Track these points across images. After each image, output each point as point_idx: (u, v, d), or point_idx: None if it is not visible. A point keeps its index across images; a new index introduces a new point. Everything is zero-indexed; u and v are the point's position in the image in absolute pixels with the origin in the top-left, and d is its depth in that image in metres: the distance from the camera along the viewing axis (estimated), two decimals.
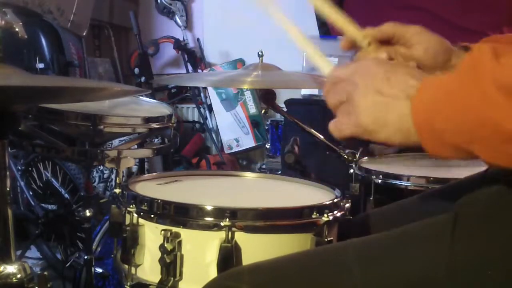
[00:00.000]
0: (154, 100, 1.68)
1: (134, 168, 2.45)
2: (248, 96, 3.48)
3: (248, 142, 3.49)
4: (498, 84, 0.52)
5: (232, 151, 3.50)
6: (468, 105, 0.54)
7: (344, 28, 0.87)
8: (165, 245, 0.87)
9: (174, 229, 0.89)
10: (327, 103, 0.70)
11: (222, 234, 0.86)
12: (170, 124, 1.42)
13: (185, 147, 3.31)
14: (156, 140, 2.04)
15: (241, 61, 3.56)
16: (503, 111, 0.51)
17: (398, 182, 1.37)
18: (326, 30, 2.73)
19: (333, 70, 0.71)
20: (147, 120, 1.37)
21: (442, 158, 0.59)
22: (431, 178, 1.32)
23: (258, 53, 1.29)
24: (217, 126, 3.51)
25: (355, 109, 0.64)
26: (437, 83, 0.59)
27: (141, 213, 0.93)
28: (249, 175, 1.28)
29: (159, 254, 0.88)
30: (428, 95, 0.59)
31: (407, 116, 0.60)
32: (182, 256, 0.89)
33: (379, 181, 1.38)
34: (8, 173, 0.97)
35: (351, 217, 0.99)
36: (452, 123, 0.55)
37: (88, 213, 1.42)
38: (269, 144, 3.04)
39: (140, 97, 1.59)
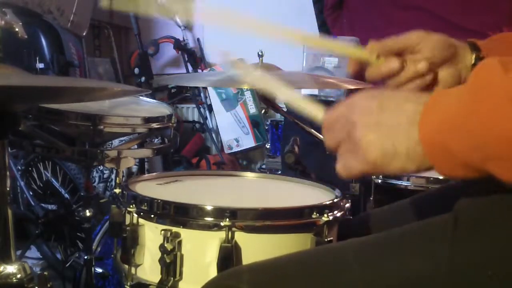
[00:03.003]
0: (154, 100, 1.67)
1: (134, 168, 2.45)
2: (248, 96, 3.48)
3: (248, 142, 3.49)
4: (510, 99, 0.51)
5: (232, 151, 3.50)
6: (481, 121, 0.53)
7: (346, 52, 0.88)
8: (165, 245, 0.87)
9: (174, 229, 0.89)
10: (326, 147, 0.68)
11: (222, 234, 0.86)
12: (170, 124, 1.42)
13: (185, 147, 3.31)
14: (156, 140, 2.04)
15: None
16: None
17: (398, 182, 1.37)
18: (326, 30, 2.73)
19: (327, 114, 0.69)
20: (147, 120, 1.37)
21: (456, 179, 0.58)
22: (431, 178, 1.32)
23: (258, 53, 1.29)
24: (217, 126, 3.51)
25: (360, 146, 0.61)
26: (444, 102, 0.57)
27: (141, 213, 0.93)
28: (249, 175, 1.28)
29: (159, 254, 0.88)
30: (436, 116, 0.57)
31: (416, 141, 0.58)
32: (182, 256, 0.89)
33: (379, 181, 1.38)
34: (8, 173, 0.97)
35: (351, 217, 0.99)
36: (465, 141, 0.54)
37: (88, 213, 1.42)
38: (269, 144, 3.04)
39: (140, 97, 1.59)
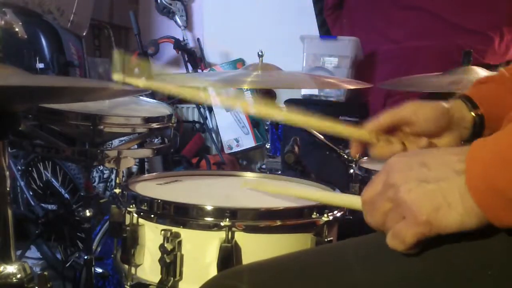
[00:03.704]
0: (154, 100, 1.68)
1: (134, 168, 2.45)
2: (248, 96, 3.48)
3: (248, 142, 3.49)
4: None
5: (232, 151, 3.50)
6: None
7: (346, 133, 0.87)
8: (165, 245, 0.87)
9: (174, 229, 0.89)
10: (371, 227, 0.62)
11: (222, 234, 0.86)
12: (170, 124, 1.42)
13: (185, 147, 3.31)
14: (156, 140, 2.04)
15: (241, 61, 3.56)
16: None
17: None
18: (326, 30, 2.73)
19: (364, 193, 0.63)
20: (147, 120, 1.37)
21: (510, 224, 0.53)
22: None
23: (258, 53, 1.29)
24: (217, 126, 3.51)
25: (408, 208, 0.56)
26: (486, 146, 0.55)
27: (141, 213, 0.93)
28: (249, 175, 1.28)
29: (159, 254, 0.88)
30: (480, 163, 0.53)
31: (465, 191, 0.53)
32: (182, 256, 0.89)
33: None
34: (8, 173, 0.97)
35: (351, 217, 0.99)
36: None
37: (88, 213, 1.42)
38: (269, 144, 3.04)
39: (140, 97, 1.59)
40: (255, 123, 3.47)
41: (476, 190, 0.53)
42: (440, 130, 0.85)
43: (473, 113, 0.87)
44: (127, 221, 0.95)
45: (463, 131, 0.87)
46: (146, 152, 1.50)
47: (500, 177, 0.51)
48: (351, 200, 0.72)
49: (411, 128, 0.85)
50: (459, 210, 0.54)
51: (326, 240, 0.89)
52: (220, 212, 0.87)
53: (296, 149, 1.30)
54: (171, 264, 0.88)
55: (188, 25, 3.66)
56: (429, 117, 0.84)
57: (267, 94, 1.32)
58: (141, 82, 0.84)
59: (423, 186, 0.55)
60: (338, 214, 0.94)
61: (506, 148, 0.53)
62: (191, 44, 3.63)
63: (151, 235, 0.93)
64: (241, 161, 3.65)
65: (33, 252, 2.35)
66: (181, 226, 0.89)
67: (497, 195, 0.52)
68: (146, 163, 2.57)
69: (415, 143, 0.85)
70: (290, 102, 2.49)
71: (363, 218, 0.75)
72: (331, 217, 0.90)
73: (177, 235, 0.89)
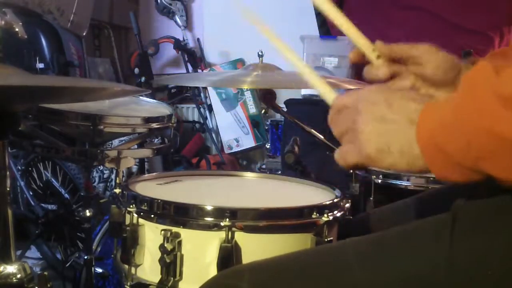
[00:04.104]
0: (154, 100, 1.68)
1: (134, 168, 2.45)
2: (248, 96, 3.48)
3: (248, 142, 3.49)
4: (500, 97, 0.51)
5: (232, 151, 3.50)
6: (472, 120, 0.53)
7: (354, 39, 0.87)
8: (165, 245, 0.87)
9: (174, 229, 0.89)
10: (332, 131, 0.70)
11: (222, 234, 0.86)
12: (170, 124, 1.42)
13: (185, 147, 3.31)
14: (156, 140, 2.04)
15: (241, 61, 3.56)
16: (506, 122, 0.51)
17: (398, 182, 1.37)
18: (326, 30, 2.73)
19: (337, 98, 0.70)
20: (147, 120, 1.37)
21: (451, 181, 0.58)
22: (431, 178, 1.32)
23: (258, 53, 1.29)
24: (217, 126, 3.51)
25: (359, 137, 0.64)
26: (439, 104, 0.59)
27: (141, 213, 0.93)
28: (249, 175, 1.28)
29: (159, 254, 0.88)
30: (432, 118, 0.58)
31: (413, 141, 0.59)
32: (182, 256, 0.89)
33: (379, 181, 1.38)
34: (8, 173, 0.97)
35: (351, 217, 0.99)
36: (458, 141, 0.55)
37: (88, 213, 1.42)
38: (269, 144, 3.04)
39: (140, 97, 1.59)
40: (255, 123, 3.47)
41: (425, 147, 0.58)
42: (445, 82, 0.84)
43: None
44: (127, 221, 0.95)
45: None
46: (146, 152, 1.50)
47: (449, 142, 0.55)
48: (327, 92, 0.74)
49: (417, 69, 0.83)
50: (396, 156, 0.61)
51: (326, 240, 0.88)
52: (220, 212, 0.87)
53: (296, 149, 1.30)
54: (171, 264, 0.88)
55: (188, 25, 3.66)
56: (440, 64, 0.82)
57: (267, 94, 1.32)
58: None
59: (379, 124, 0.62)
60: (338, 214, 0.94)
61: (454, 112, 0.55)
62: (191, 44, 3.63)
63: (151, 235, 0.93)
64: (241, 161, 3.66)
65: (33, 252, 2.35)
66: (181, 226, 0.89)
67: (445, 157, 0.56)
68: (146, 163, 2.57)
69: (412, 82, 0.84)
70: (290, 102, 2.49)
71: (363, 218, 0.75)
72: (331, 217, 0.90)
73: (177, 235, 0.89)
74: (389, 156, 0.62)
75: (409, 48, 0.84)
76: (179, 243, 0.89)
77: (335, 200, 0.97)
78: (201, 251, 0.89)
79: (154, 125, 1.38)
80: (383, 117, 0.62)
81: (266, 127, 3.13)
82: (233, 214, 0.87)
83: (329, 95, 0.73)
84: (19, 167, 2.35)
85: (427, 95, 0.83)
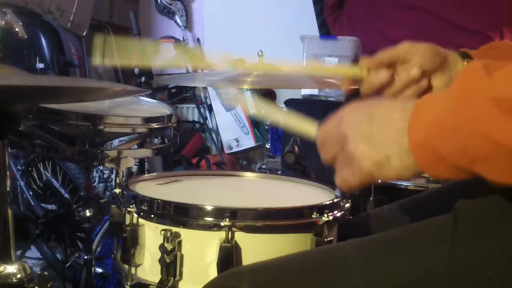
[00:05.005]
0: (154, 100, 1.68)
1: (134, 168, 2.45)
2: (248, 96, 3.48)
3: (248, 142, 3.49)
4: (495, 100, 0.51)
5: (232, 151, 3.50)
6: (466, 123, 0.53)
7: (337, 73, 0.90)
8: (165, 245, 0.87)
9: (174, 229, 0.89)
10: (323, 161, 0.70)
11: (222, 234, 0.86)
12: (170, 124, 1.42)
13: (185, 147, 3.31)
14: (156, 140, 2.04)
15: (241, 61, 3.56)
16: (501, 127, 0.50)
17: (398, 182, 1.37)
18: (326, 30, 2.74)
19: (319, 130, 0.71)
20: (147, 120, 1.37)
21: (444, 179, 0.58)
22: (431, 178, 1.32)
23: (258, 53, 1.29)
24: (217, 126, 3.51)
25: (353, 158, 0.63)
26: (429, 107, 0.58)
27: (141, 213, 0.93)
28: (249, 175, 1.28)
29: (159, 254, 0.88)
30: (423, 122, 0.57)
31: (406, 149, 0.59)
32: (182, 256, 0.89)
33: (379, 181, 1.38)
34: (8, 173, 0.97)
35: (351, 217, 0.99)
36: (452, 144, 0.54)
37: (88, 213, 1.42)
38: (269, 144, 3.04)
39: (140, 97, 1.59)
40: (255, 123, 3.46)
41: (419, 155, 0.58)
42: (434, 68, 0.87)
43: (466, 61, 0.89)
44: (127, 221, 0.95)
45: (454, 75, 0.89)
46: (146, 152, 1.50)
47: (443, 145, 0.55)
48: (309, 127, 0.75)
49: (405, 67, 0.87)
50: (397, 167, 0.60)
51: (326, 240, 0.88)
52: (220, 212, 0.87)
53: (296, 149, 1.30)
54: (171, 264, 0.88)
55: (188, 25, 3.66)
56: (425, 52, 0.86)
57: (267, 94, 1.31)
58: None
59: (369, 141, 0.62)
60: (338, 214, 0.94)
61: (448, 113, 0.55)
62: (191, 44, 3.63)
63: (151, 235, 0.93)
64: (241, 161, 3.65)
65: (33, 252, 2.34)
66: (181, 226, 0.89)
67: (440, 160, 0.56)
68: (146, 163, 2.57)
69: (407, 72, 0.87)
70: (290, 102, 2.49)
71: (363, 218, 0.75)
72: (331, 217, 0.90)
73: (177, 235, 0.89)
74: (390, 168, 0.61)
75: (390, 51, 0.88)
76: (179, 243, 0.89)
77: (335, 200, 0.97)
78: (201, 251, 0.89)
79: (154, 125, 1.38)
80: (370, 135, 0.62)
81: (266, 127, 3.13)
82: (233, 214, 0.87)
83: (310, 129, 0.74)
84: (19, 167, 2.35)
85: (411, 95, 0.86)
